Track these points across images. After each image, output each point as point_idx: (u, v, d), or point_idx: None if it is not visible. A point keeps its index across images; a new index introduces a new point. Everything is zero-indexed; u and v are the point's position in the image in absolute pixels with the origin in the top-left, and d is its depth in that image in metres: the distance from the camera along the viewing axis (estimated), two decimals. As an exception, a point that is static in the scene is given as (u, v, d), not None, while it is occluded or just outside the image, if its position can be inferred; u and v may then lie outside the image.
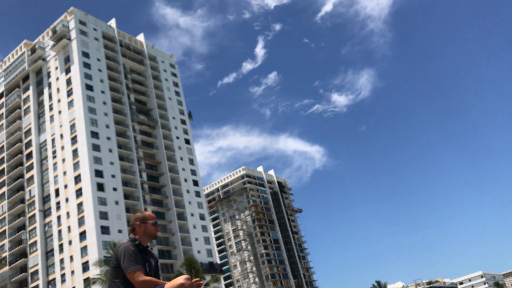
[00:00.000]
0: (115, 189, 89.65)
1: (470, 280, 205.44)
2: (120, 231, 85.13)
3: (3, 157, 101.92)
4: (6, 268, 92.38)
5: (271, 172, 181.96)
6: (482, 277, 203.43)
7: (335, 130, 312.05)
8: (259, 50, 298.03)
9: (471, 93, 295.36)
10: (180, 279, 4.69)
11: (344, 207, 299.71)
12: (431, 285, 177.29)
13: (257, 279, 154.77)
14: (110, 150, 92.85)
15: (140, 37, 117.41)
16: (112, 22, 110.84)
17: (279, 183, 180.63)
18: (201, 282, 4.81)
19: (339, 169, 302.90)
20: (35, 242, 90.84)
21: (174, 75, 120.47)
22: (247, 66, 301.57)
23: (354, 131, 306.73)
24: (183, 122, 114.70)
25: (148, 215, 5.34)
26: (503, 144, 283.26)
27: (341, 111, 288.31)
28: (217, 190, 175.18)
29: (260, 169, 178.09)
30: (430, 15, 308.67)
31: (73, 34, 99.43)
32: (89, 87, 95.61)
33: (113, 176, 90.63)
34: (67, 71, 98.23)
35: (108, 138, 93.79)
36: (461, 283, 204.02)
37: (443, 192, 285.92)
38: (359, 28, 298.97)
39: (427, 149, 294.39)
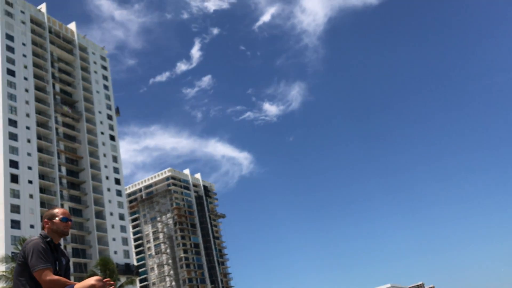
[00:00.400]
0: (30, 182, 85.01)
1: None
2: (32, 226, 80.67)
3: None
4: None
5: (198, 175, 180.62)
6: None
7: (264, 139, 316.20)
8: (195, 52, 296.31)
9: (393, 114, 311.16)
10: (91, 280, 4.51)
11: (267, 215, 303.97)
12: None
13: (174, 283, 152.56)
14: (29, 141, 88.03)
15: (72, 26, 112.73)
16: (43, 7, 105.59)
17: (204, 187, 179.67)
18: (113, 282, 4.65)
19: (265, 177, 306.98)
20: None
21: (105, 68, 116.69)
22: (182, 67, 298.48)
23: (282, 141, 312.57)
24: (109, 117, 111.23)
25: (58, 211, 5.09)
26: (417, 164, 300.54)
27: (271, 120, 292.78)
28: (140, 190, 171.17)
29: (186, 171, 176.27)
30: (362, 36, 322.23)
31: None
32: (10, 72, 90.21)
33: (29, 168, 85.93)
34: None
35: (28, 128, 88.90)
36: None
37: (360, 207, 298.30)
38: (294, 41, 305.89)
39: (349, 165, 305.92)
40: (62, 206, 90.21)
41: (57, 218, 5.05)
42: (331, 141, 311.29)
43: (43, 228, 5.03)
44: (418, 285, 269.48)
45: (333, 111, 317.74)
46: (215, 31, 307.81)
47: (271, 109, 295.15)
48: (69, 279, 4.88)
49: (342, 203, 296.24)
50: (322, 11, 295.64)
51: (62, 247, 5.17)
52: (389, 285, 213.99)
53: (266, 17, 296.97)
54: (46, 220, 5.04)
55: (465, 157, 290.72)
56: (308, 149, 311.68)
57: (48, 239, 4.89)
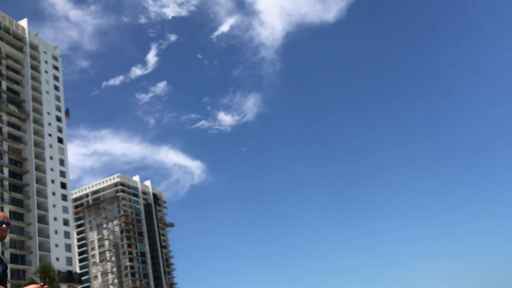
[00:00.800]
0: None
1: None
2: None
3: None
4: None
5: (147, 182, 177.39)
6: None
7: (218, 148, 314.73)
8: (151, 57, 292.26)
9: (347, 130, 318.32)
10: (30, 289, 4.28)
11: (216, 225, 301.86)
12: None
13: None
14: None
15: (23, 22, 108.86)
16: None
17: (154, 194, 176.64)
18: None
19: (217, 187, 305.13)
20: None
21: (56, 68, 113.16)
22: (136, 71, 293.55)
23: (235, 152, 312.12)
24: (58, 119, 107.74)
25: None
26: (367, 178, 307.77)
27: (225, 130, 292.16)
28: (87, 195, 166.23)
29: (136, 178, 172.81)
30: (318, 52, 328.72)
31: None
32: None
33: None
34: None
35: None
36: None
37: (312, 227, 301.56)
38: (251, 53, 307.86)
39: (300, 178, 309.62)
40: (2, 209, 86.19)
41: None
42: (283, 153, 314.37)
43: None
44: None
45: (287, 124, 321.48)
46: (173, 37, 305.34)
47: (226, 119, 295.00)
48: (5, 287, 4.62)
49: (290, 215, 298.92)
50: (280, 25, 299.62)
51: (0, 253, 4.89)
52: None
53: (224, 27, 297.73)
54: None
55: (407, 175, 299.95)
56: (260, 160, 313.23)
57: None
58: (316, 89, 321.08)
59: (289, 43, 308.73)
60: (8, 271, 4.93)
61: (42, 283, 4.42)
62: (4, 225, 4.85)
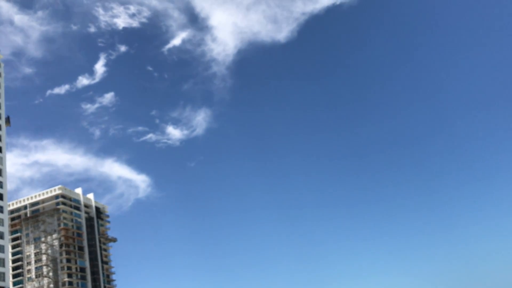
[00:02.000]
0: None
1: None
2: None
3: None
4: None
5: (90, 195, 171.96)
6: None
7: (165, 162, 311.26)
8: (99, 67, 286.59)
9: (293, 149, 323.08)
10: None
11: (160, 241, 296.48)
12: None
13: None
14: None
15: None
16: None
17: (97, 208, 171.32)
18: None
19: (162, 201, 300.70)
20: None
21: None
22: (83, 81, 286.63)
23: (183, 166, 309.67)
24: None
25: None
26: (310, 195, 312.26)
27: (174, 144, 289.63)
28: (25, 207, 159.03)
29: (78, 190, 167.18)
30: (269, 70, 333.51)
31: None
32: None
33: None
34: None
35: None
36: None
37: (255, 239, 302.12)
38: (203, 68, 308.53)
39: (246, 194, 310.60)
40: None
41: None
42: (231, 169, 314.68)
43: None
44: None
45: (236, 140, 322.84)
46: (123, 48, 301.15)
47: (174, 132, 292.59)
48: None
49: (236, 231, 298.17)
50: (232, 42, 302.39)
51: None
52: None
53: (176, 41, 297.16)
54: None
55: (365, 192, 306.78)
56: (208, 176, 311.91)
57: None
58: (264, 105, 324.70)
59: (240, 60, 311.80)
60: None
61: None
62: None
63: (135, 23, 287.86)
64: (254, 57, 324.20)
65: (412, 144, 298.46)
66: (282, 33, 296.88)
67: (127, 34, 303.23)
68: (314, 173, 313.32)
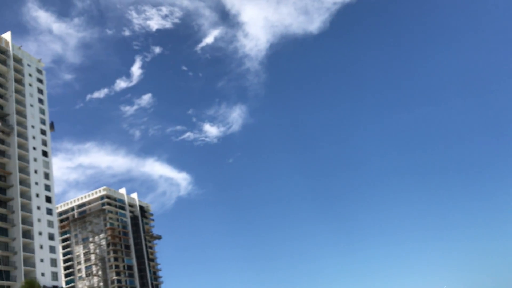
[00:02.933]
0: (-49, 198, 79.56)
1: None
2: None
3: None
4: None
5: (134, 195, 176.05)
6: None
7: (204, 160, 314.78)
8: (136, 70, 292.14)
9: (332, 140, 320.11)
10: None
11: (204, 238, 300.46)
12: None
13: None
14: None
15: (6, 36, 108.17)
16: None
17: (141, 207, 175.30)
18: None
19: (203, 198, 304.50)
20: None
21: (40, 81, 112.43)
22: (121, 84, 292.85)
23: (221, 163, 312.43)
24: (43, 132, 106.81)
25: None
26: (352, 188, 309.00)
27: (211, 141, 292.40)
28: (72, 209, 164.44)
29: (122, 191, 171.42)
30: (302, 63, 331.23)
31: None
32: None
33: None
34: None
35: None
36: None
37: (297, 233, 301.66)
38: (236, 64, 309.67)
39: (286, 188, 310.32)
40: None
41: None
42: (269, 163, 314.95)
43: None
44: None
45: (272, 134, 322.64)
46: (157, 50, 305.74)
47: (211, 130, 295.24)
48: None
49: (278, 225, 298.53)
50: (264, 37, 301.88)
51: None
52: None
53: (209, 39, 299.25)
54: None
55: (401, 181, 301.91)
56: (246, 171, 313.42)
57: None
58: (300, 99, 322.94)
59: (273, 54, 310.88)
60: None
61: None
62: None
63: (168, 24, 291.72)
64: (287, 50, 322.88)
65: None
66: (314, 24, 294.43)
67: (161, 36, 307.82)
68: (356, 165, 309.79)
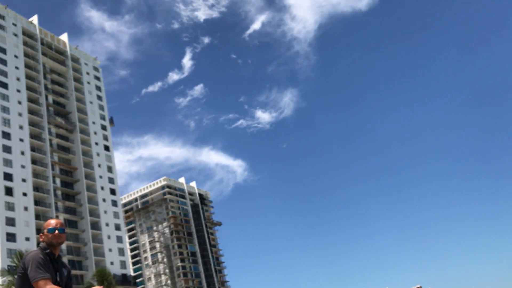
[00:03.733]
0: (25, 194, 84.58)
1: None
2: (27, 239, 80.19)
3: None
4: None
5: (193, 184, 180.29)
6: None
7: (258, 146, 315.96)
8: (187, 61, 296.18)
9: (385, 118, 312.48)
10: (94, 290, 4.60)
11: (262, 222, 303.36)
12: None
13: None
14: (22, 153, 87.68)
15: (64, 37, 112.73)
16: (34, 19, 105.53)
17: (200, 195, 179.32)
18: None
19: (260, 184, 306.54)
20: None
21: (97, 78, 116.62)
22: (174, 76, 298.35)
23: (276, 148, 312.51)
24: (103, 127, 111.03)
25: (47, 223, 5.22)
26: (410, 164, 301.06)
27: (264, 127, 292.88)
28: (136, 200, 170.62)
29: (181, 180, 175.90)
30: (352, 42, 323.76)
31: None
32: (3, 85, 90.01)
33: (23, 180, 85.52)
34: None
35: (21, 140, 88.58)
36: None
37: (355, 213, 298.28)
38: (285, 48, 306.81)
39: (342, 169, 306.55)
40: (57, 217, 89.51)
41: (45, 231, 5.16)
42: (324, 146, 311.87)
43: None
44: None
45: (326, 116, 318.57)
46: (206, 40, 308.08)
47: (263, 116, 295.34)
48: (70, 290, 4.96)
49: (336, 207, 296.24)
50: (312, 18, 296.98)
51: (61, 259, 5.24)
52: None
53: (256, 25, 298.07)
54: (40, 234, 5.21)
55: (460, 153, 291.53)
56: (301, 155, 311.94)
57: (48, 251, 4.95)
58: (352, 79, 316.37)
59: (322, 35, 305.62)
60: (71, 275, 5.29)
61: (102, 287, 4.73)
62: (56, 231, 5.16)
63: (215, 14, 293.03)
64: (336, 29, 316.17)
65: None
66: (363, 1, 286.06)
67: (209, 26, 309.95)
68: (411, 140, 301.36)
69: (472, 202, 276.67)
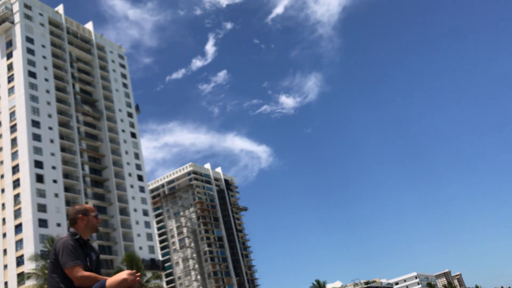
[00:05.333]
0: (55, 181, 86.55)
1: (405, 281, 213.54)
2: (59, 225, 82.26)
3: None
4: None
5: (218, 169, 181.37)
6: (416, 277, 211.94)
7: (282, 131, 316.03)
8: (210, 48, 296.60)
9: (410, 101, 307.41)
10: (123, 274, 4.56)
11: (287, 207, 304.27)
12: (369, 285, 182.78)
13: (199, 277, 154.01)
14: (52, 141, 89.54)
15: (89, 26, 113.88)
16: (60, 8, 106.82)
17: (225, 180, 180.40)
18: (139, 274, 4.71)
19: (285, 169, 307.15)
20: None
21: (123, 66, 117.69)
22: (197, 63, 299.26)
23: (300, 133, 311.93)
24: (129, 115, 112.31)
25: (89, 207, 5.17)
26: (440, 152, 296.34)
27: (288, 112, 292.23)
28: (162, 186, 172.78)
29: (207, 166, 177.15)
30: (378, 25, 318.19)
31: (16, 18, 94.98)
32: (31, 74, 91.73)
33: (53, 167, 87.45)
34: (9, 56, 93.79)
35: (50, 128, 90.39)
36: (396, 283, 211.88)
37: (381, 196, 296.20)
38: (308, 32, 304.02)
39: (367, 152, 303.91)
40: (86, 203, 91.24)
41: (92, 214, 5.12)
42: (348, 131, 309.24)
43: (72, 224, 5.08)
44: (444, 273, 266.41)
45: (350, 100, 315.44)
46: (229, 25, 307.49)
47: (287, 101, 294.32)
48: (100, 274, 4.95)
49: (362, 191, 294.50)
50: (336, 0, 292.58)
51: (90, 243, 5.22)
52: (415, 273, 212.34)
53: (279, 9, 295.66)
54: (81, 215, 5.06)
55: (487, 140, 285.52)
56: (326, 140, 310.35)
57: (77, 236, 4.94)
58: (377, 62, 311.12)
59: (346, 17, 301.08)
60: (100, 259, 5.28)
61: (132, 271, 4.70)
62: (98, 218, 5.19)
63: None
64: (360, 12, 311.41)
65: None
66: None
67: (231, 11, 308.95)
68: (438, 123, 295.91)
69: (497, 193, 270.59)
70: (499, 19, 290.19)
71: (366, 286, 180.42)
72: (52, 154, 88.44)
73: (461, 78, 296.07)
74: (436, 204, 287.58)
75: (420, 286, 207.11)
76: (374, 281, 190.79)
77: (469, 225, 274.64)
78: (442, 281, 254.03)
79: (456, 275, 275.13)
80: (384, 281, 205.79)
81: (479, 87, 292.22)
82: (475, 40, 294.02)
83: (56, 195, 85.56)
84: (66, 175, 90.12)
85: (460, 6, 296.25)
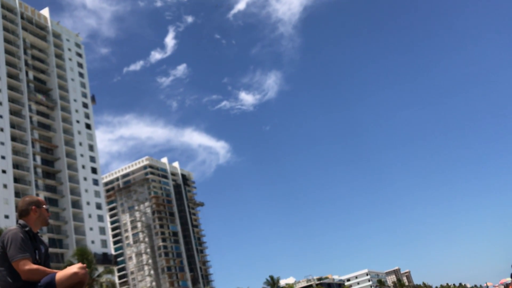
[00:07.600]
0: (4, 171, 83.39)
1: (356, 277, 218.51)
2: (7, 217, 79.33)
3: None
4: None
5: (176, 164, 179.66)
6: (367, 274, 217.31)
7: (241, 128, 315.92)
8: (169, 41, 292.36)
9: (367, 103, 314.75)
10: (74, 268, 4.46)
11: (243, 203, 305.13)
12: (321, 281, 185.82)
13: (152, 272, 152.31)
14: (2, 130, 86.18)
15: (45, 12, 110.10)
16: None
17: (183, 175, 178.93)
18: (86, 268, 4.63)
19: (242, 166, 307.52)
20: None
21: (79, 55, 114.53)
22: (156, 55, 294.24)
23: (258, 130, 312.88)
24: (85, 105, 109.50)
25: (41, 200, 5.02)
26: (390, 152, 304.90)
27: (247, 109, 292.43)
28: (117, 179, 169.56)
29: (164, 160, 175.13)
30: (337, 26, 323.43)
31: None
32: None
33: (2, 157, 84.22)
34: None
35: (0, 117, 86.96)
36: (348, 280, 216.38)
37: (333, 194, 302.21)
38: (269, 30, 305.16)
39: (323, 152, 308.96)
40: (37, 195, 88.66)
41: (44, 207, 5.02)
42: (306, 129, 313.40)
43: (21, 216, 4.92)
44: (394, 270, 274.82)
45: (309, 100, 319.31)
46: (190, 19, 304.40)
47: (247, 98, 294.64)
48: (50, 267, 4.82)
49: (317, 190, 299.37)
50: (297, 0, 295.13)
51: (39, 236, 5.08)
52: (366, 270, 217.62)
53: (241, 6, 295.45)
54: (34, 207, 4.90)
55: (437, 142, 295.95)
56: (284, 138, 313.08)
57: (27, 228, 4.80)
58: (336, 62, 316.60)
59: (307, 17, 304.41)
60: (49, 252, 5.14)
61: (83, 264, 4.60)
62: (49, 211, 5.06)
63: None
64: (321, 12, 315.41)
65: None
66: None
67: (192, 5, 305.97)
68: (392, 125, 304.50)
69: (444, 190, 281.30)
70: (453, 21, 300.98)
71: (318, 282, 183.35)
72: (2, 143, 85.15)
73: (416, 81, 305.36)
74: (386, 204, 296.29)
75: (371, 282, 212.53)
76: (326, 277, 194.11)
77: (417, 224, 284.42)
78: (391, 278, 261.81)
79: (405, 273, 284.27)
80: (337, 277, 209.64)
81: (436, 89, 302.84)
82: (432, 44, 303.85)
83: (5, 186, 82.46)
84: (16, 166, 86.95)
85: (418, 10, 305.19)
